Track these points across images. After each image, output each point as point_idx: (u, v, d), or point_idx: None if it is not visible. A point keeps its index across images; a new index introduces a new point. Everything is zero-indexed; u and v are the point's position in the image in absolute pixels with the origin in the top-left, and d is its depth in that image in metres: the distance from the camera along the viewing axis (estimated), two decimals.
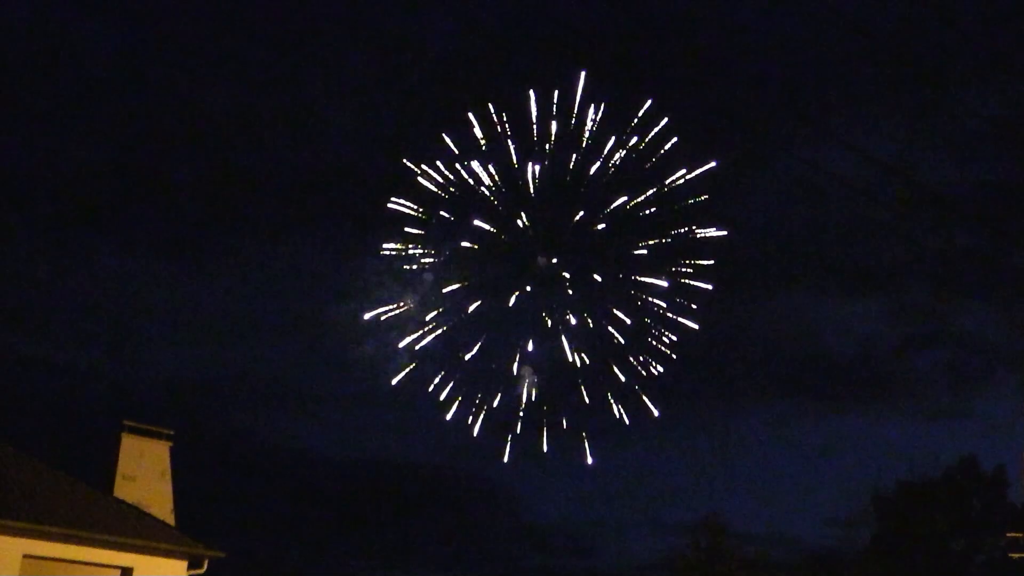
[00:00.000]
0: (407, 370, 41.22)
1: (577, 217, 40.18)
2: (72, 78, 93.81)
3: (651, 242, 40.32)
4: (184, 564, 26.48)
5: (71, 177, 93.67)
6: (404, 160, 40.13)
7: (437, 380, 41.26)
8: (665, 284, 40.57)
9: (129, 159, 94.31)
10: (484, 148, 39.54)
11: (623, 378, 41.50)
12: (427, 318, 41.17)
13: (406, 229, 40.41)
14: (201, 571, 26.77)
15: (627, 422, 41.51)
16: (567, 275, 40.71)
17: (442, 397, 41.40)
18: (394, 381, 41.08)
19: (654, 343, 41.09)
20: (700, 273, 40.29)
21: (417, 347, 41.34)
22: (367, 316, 41.17)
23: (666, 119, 39.00)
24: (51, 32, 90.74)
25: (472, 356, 41.46)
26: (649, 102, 38.87)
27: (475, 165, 39.52)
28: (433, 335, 41.26)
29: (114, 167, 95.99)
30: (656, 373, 41.30)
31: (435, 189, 40.12)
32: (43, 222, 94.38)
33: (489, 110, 39.00)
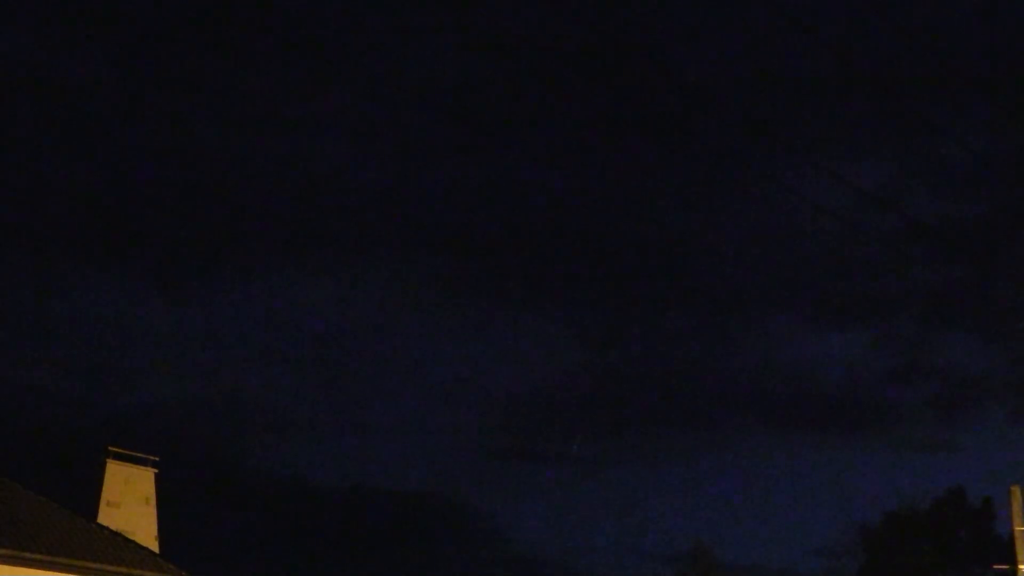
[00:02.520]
0: (393, 397, 41.20)
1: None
2: (63, 108, 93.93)
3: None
4: None
5: (58, 205, 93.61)
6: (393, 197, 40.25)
7: (422, 408, 41.24)
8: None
9: (117, 188, 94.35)
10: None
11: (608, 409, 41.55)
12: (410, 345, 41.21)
13: (391, 258, 40.47)
14: None
15: (609, 453, 41.52)
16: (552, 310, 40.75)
17: (426, 425, 41.39)
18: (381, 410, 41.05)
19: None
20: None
21: (404, 374, 41.36)
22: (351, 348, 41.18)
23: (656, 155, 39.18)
24: (43, 61, 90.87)
25: (458, 384, 41.50)
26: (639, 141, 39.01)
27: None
28: (416, 361, 41.24)
29: (102, 195, 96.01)
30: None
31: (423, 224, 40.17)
32: (29, 249, 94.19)
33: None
